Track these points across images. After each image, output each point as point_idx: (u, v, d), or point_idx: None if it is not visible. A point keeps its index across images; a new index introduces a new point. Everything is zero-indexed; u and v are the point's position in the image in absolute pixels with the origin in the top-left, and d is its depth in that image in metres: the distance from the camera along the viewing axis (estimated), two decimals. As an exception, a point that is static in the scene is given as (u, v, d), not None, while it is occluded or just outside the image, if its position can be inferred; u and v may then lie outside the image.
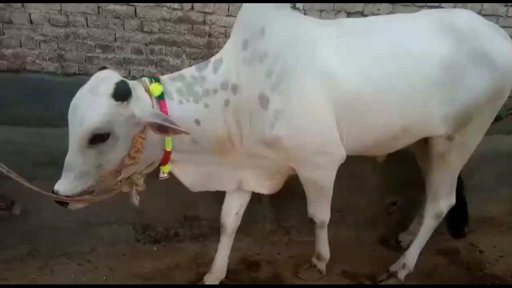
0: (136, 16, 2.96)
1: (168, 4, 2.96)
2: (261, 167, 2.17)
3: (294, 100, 1.90)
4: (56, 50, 2.99)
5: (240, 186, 2.26)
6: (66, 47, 2.98)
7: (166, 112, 1.84)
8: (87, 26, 2.93)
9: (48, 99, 2.98)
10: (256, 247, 2.86)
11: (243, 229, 2.48)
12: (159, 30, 3.02)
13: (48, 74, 3.02)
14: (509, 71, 2.05)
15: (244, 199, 2.38)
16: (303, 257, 2.66)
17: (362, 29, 2.07)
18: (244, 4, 2.02)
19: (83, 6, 2.86)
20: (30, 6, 2.84)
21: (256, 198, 2.42)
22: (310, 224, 2.38)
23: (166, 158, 1.97)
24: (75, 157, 1.71)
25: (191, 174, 2.13)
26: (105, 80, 1.74)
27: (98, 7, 2.89)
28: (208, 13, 3.03)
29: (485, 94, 2.04)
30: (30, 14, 2.85)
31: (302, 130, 1.94)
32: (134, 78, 2.80)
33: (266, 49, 1.90)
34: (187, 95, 1.92)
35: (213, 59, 2.00)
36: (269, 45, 1.90)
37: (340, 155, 2.08)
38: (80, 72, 3.05)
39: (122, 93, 1.70)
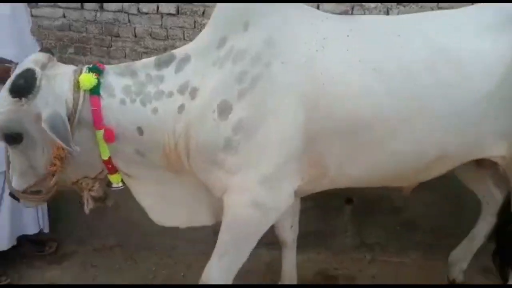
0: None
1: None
2: None
3: (264, 115, 1.50)
4: None
5: (216, 215, 1.81)
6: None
7: (98, 110, 1.52)
8: (184, 39, 3.15)
9: None
10: (335, 262, 2.73)
11: (322, 241, 2.39)
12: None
13: None
14: None
15: (295, 208, 2.07)
16: (386, 279, 2.49)
17: (383, 29, 1.62)
18: None
19: (181, 21, 3.10)
20: (135, 21, 3.18)
21: (335, 209, 2.31)
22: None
23: (109, 168, 1.65)
24: (11, 156, 1.58)
25: (151, 196, 1.77)
26: (18, 68, 1.50)
27: (195, 22, 3.09)
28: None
29: None
30: (134, 29, 3.17)
31: (259, 154, 1.53)
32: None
33: (246, 47, 1.52)
34: (134, 94, 1.56)
35: (178, 55, 1.62)
36: (250, 42, 1.52)
37: (290, 195, 1.62)
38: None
39: (17, 88, 1.44)
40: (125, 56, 3.26)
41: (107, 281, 2.49)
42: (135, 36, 3.23)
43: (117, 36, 3.25)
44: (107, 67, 1.61)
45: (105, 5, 3.23)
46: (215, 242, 2.73)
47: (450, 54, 1.53)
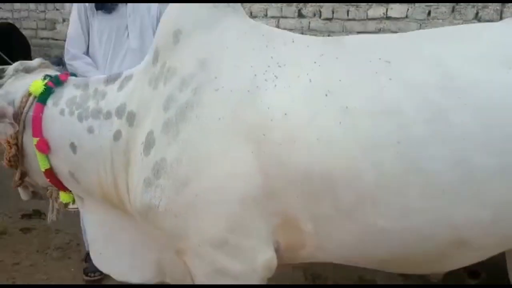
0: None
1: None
2: None
3: (192, 157, 1.15)
4: None
5: (162, 275, 1.50)
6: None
7: (37, 118, 1.38)
8: None
9: None
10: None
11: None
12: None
13: None
14: None
15: None
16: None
17: (369, 53, 1.17)
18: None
19: None
20: None
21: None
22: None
23: (52, 182, 1.47)
24: None
25: (96, 230, 1.55)
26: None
27: None
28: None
29: None
30: None
31: (188, 209, 1.16)
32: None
33: (176, 65, 1.23)
34: (75, 107, 1.38)
35: (126, 71, 1.43)
36: (181, 60, 1.24)
37: (262, 260, 1.21)
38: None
39: None
40: None
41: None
42: None
43: None
44: (72, 78, 1.48)
45: None
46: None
47: (468, 92, 1.05)
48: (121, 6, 2.28)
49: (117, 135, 1.30)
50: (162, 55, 1.27)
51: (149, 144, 1.21)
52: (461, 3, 2.63)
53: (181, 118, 1.16)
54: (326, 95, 1.10)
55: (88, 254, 2.59)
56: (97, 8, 2.25)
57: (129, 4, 2.29)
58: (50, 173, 1.43)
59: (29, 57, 3.49)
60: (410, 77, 1.09)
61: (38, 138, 1.38)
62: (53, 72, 1.51)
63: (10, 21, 4.31)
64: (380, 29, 2.86)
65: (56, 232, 2.72)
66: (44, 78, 1.42)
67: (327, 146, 1.07)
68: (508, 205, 1.05)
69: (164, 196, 1.16)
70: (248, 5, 3.28)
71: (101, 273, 2.26)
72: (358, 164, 1.06)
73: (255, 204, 1.13)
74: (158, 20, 2.40)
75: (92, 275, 2.45)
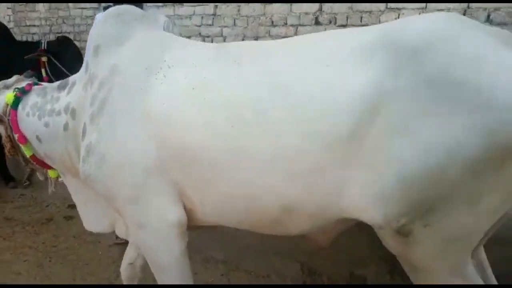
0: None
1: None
2: None
3: (107, 139, 1.53)
4: None
5: (112, 226, 1.95)
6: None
7: (14, 121, 1.93)
8: None
9: None
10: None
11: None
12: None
13: None
14: None
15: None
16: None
17: (234, 57, 1.44)
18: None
19: None
20: None
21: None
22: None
23: (38, 163, 2.03)
24: None
25: (78, 197, 2.02)
26: None
27: None
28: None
29: (461, 157, 1.10)
30: None
31: (108, 177, 1.55)
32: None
33: (97, 72, 1.62)
34: (36, 109, 1.89)
35: (71, 80, 1.85)
36: (100, 68, 1.62)
37: (172, 216, 1.53)
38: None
39: None
40: None
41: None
42: None
43: None
44: (36, 87, 2.00)
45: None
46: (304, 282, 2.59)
47: (289, 89, 1.28)
48: None
49: (65, 127, 1.78)
50: (89, 65, 1.68)
51: (83, 132, 1.62)
52: (472, 7, 2.60)
53: (100, 111, 1.57)
54: (193, 89, 1.43)
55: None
56: None
57: None
58: (34, 157, 1.98)
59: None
60: (250, 76, 1.37)
61: (17, 134, 1.93)
62: (23, 84, 2.04)
63: (71, 35, 4.90)
64: (392, 34, 2.88)
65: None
66: (14, 91, 1.97)
67: (192, 129, 1.40)
68: (311, 176, 1.27)
69: (92, 169, 1.58)
70: (269, 14, 3.46)
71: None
72: (210, 144, 1.38)
73: (156, 173, 1.49)
74: (165, 30, 2.73)
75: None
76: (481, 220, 1.21)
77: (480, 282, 1.34)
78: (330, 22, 3.14)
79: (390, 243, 1.30)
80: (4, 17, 5.72)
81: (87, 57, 1.68)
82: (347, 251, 2.56)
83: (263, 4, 3.45)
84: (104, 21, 1.68)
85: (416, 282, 1.39)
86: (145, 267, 1.95)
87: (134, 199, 1.53)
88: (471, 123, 1.08)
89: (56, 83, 1.95)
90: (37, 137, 1.89)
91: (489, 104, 1.07)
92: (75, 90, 1.77)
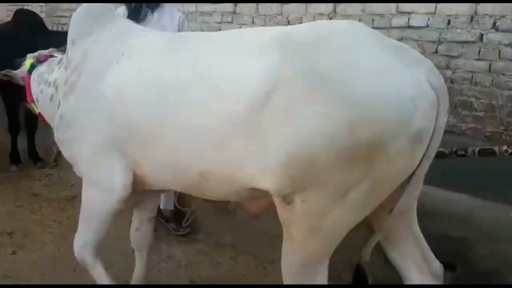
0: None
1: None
2: None
3: (73, 112, 1.85)
4: None
5: None
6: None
7: (27, 83, 2.30)
8: None
9: None
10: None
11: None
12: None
13: None
14: (384, 114, 1.20)
15: (143, 215, 2.23)
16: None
17: (178, 45, 1.70)
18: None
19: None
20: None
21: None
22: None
23: (43, 121, 2.33)
24: None
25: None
26: None
27: None
28: (454, 56, 3.01)
29: (330, 145, 1.23)
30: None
31: (73, 140, 1.87)
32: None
33: (72, 58, 1.93)
34: (39, 77, 2.25)
35: (64, 58, 2.13)
36: (74, 55, 1.92)
37: (118, 184, 1.77)
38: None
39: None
40: None
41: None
42: None
43: None
44: (50, 59, 2.31)
45: None
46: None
47: (208, 73, 1.51)
48: (149, 16, 2.76)
49: (51, 98, 2.12)
50: (68, 51, 1.99)
51: (58, 105, 1.93)
52: (479, 14, 2.71)
53: (70, 91, 1.87)
54: (137, 73, 1.68)
55: (167, 216, 3.11)
56: (127, 16, 2.70)
57: (155, 14, 2.77)
58: (40, 115, 2.32)
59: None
60: (180, 61, 1.60)
61: (28, 94, 2.31)
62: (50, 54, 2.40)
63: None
64: (402, 38, 3.01)
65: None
66: (33, 59, 2.33)
67: (133, 107, 1.64)
68: (219, 148, 1.46)
69: (60, 134, 1.93)
70: (286, 14, 3.62)
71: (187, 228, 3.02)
72: (146, 119, 1.62)
73: (109, 142, 1.76)
74: (180, 25, 2.91)
75: (181, 230, 3.04)
76: (348, 212, 1.35)
77: None
78: (344, 23, 3.27)
79: (279, 209, 1.45)
80: (36, 7, 6.03)
81: (67, 45, 1.99)
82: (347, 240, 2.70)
83: (280, 4, 3.62)
84: (76, 17, 1.99)
85: (283, 253, 1.53)
86: (150, 233, 2.29)
87: (90, 161, 1.83)
88: (338, 116, 1.21)
89: (59, 58, 2.25)
90: (37, 100, 2.27)
91: (351, 101, 1.20)
92: (61, 69, 2.06)
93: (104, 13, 1.95)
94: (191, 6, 4.22)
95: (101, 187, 1.82)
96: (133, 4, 2.72)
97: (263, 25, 3.79)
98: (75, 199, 3.46)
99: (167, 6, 2.89)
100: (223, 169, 1.51)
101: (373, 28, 3.04)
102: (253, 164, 1.41)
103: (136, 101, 1.64)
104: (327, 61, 1.27)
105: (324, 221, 1.36)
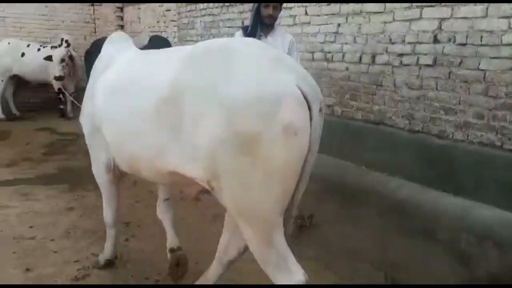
0: (484, 80, 2.90)
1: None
2: None
3: (83, 105, 2.54)
4: (408, 109, 3.44)
5: None
6: (416, 107, 3.37)
7: None
8: (436, 89, 3.22)
9: (393, 150, 3.49)
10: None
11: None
12: (505, 95, 2.79)
13: (398, 129, 3.52)
14: (254, 109, 1.46)
15: (161, 196, 2.87)
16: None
17: (138, 58, 2.27)
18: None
19: (436, 72, 3.20)
20: (397, 72, 3.48)
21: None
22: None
23: None
24: None
25: None
26: None
27: (449, 72, 3.11)
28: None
29: (220, 140, 1.51)
30: (395, 79, 3.53)
31: (83, 124, 2.53)
32: (471, 143, 3.00)
33: (98, 65, 2.56)
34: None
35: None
36: (103, 55, 2.58)
37: (104, 162, 2.41)
38: (423, 131, 3.33)
39: None
40: (384, 104, 3.66)
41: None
42: (395, 85, 3.53)
43: (380, 85, 3.67)
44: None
45: (377, 58, 3.68)
46: None
47: (139, 80, 1.97)
48: (263, 39, 3.02)
49: None
50: (100, 60, 2.59)
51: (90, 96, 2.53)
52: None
53: (91, 90, 2.46)
54: (110, 79, 2.23)
55: None
56: None
57: (268, 40, 3.03)
58: None
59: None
60: (130, 70, 2.14)
61: None
62: None
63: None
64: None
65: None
66: None
67: (105, 104, 2.19)
68: (142, 137, 1.88)
69: (80, 118, 2.61)
70: (388, 32, 3.55)
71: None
72: (115, 117, 2.10)
73: (98, 130, 2.31)
74: (290, 46, 3.15)
75: None
76: (257, 192, 1.54)
77: (289, 253, 1.62)
78: (449, 40, 3.10)
79: (212, 193, 1.70)
80: (171, 33, 6.98)
81: (99, 55, 2.62)
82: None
83: (383, 22, 3.59)
84: (105, 42, 2.70)
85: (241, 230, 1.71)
86: (167, 210, 2.84)
87: (89, 143, 2.50)
88: (220, 115, 1.49)
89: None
90: None
91: (229, 102, 1.48)
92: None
93: (122, 40, 2.66)
94: (297, 28, 4.44)
95: (97, 165, 2.51)
96: (249, 28, 3.04)
97: (365, 44, 3.80)
98: (184, 200, 3.86)
99: (278, 29, 3.16)
100: (148, 155, 1.89)
101: (481, 45, 2.88)
102: (175, 154, 1.71)
103: (107, 100, 2.18)
104: (212, 70, 1.59)
105: (242, 201, 1.60)
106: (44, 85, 7.52)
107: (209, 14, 6.00)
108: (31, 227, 3.45)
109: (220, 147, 1.51)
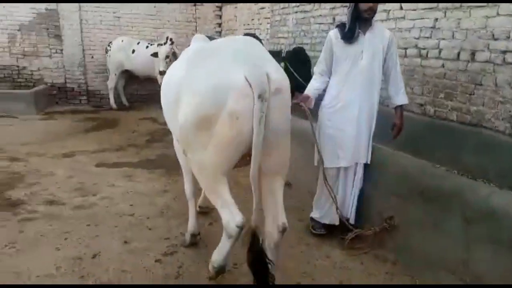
0: None
1: None
2: None
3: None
4: (509, 111, 3.19)
5: None
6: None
7: None
8: None
9: (494, 154, 3.22)
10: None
11: None
12: None
13: (497, 132, 3.29)
14: (207, 98, 2.06)
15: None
16: None
17: (189, 57, 2.51)
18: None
19: None
20: (499, 70, 3.22)
21: None
22: None
23: None
24: None
25: None
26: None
27: None
28: None
29: (188, 120, 2.15)
30: (496, 78, 3.24)
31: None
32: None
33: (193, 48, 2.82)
34: None
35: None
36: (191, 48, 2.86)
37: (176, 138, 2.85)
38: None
39: None
40: (483, 104, 3.43)
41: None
42: (496, 85, 3.28)
43: (480, 84, 3.43)
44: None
45: (477, 55, 3.43)
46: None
47: (172, 76, 2.51)
48: (361, 37, 3.00)
49: None
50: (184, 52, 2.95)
51: None
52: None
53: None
54: (177, 69, 2.52)
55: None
56: (341, 37, 3.04)
57: (367, 36, 2.99)
58: None
59: (309, 72, 4.73)
60: (184, 69, 2.35)
61: None
62: None
63: (308, 46, 5.78)
64: None
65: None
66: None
67: (168, 87, 2.57)
68: (172, 114, 2.49)
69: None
70: (491, 28, 3.28)
71: (325, 230, 3.34)
72: (167, 97, 2.57)
73: (170, 112, 2.63)
74: (389, 43, 3.05)
75: (319, 230, 3.35)
76: (210, 159, 2.13)
77: (229, 198, 2.20)
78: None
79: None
80: (264, 30, 7.19)
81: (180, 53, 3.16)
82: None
83: (485, 17, 3.31)
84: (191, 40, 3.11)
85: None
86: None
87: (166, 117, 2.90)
88: (189, 102, 2.13)
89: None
90: None
91: (195, 92, 2.12)
92: None
93: (202, 39, 3.03)
94: (391, 23, 4.29)
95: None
96: (347, 26, 3.01)
97: (464, 40, 3.54)
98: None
99: (376, 26, 3.09)
100: (174, 124, 2.46)
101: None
102: (176, 128, 2.42)
103: (164, 95, 2.66)
104: (191, 67, 2.26)
105: (200, 163, 2.23)
106: (150, 79, 8.26)
107: (301, 11, 6.07)
108: (131, 205, 3.86)
109: (186, 126, 2.15)
